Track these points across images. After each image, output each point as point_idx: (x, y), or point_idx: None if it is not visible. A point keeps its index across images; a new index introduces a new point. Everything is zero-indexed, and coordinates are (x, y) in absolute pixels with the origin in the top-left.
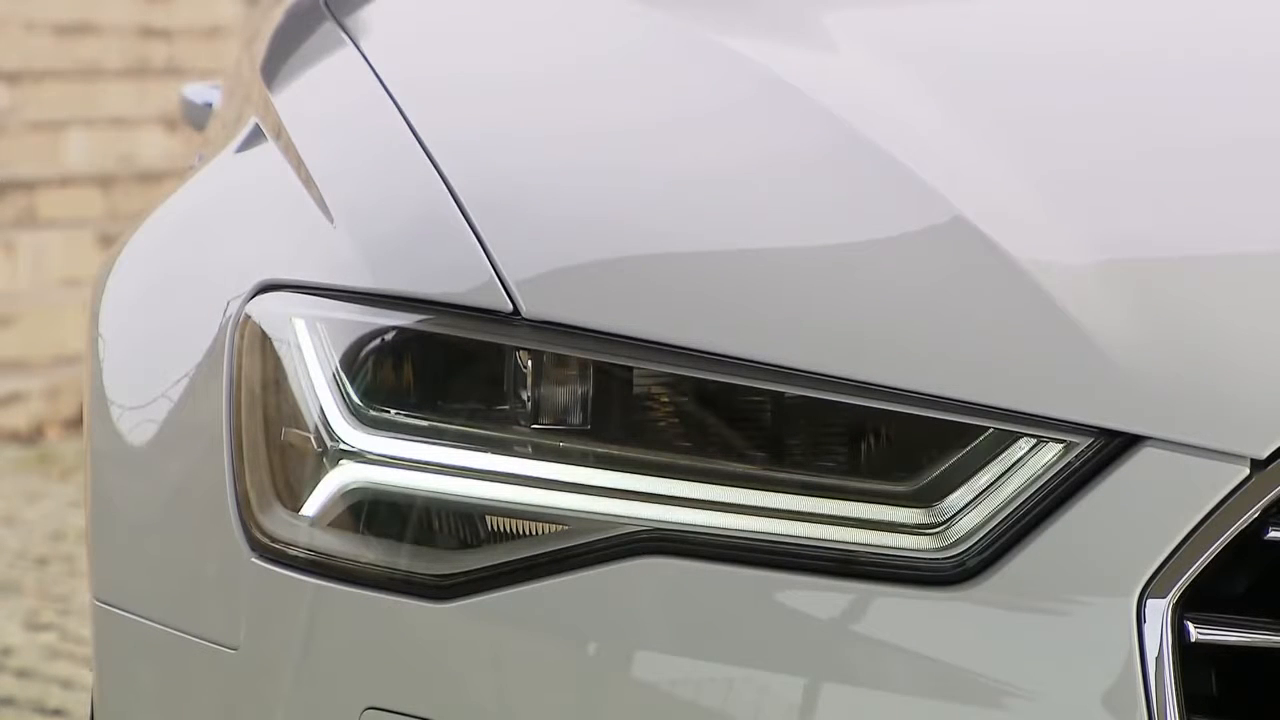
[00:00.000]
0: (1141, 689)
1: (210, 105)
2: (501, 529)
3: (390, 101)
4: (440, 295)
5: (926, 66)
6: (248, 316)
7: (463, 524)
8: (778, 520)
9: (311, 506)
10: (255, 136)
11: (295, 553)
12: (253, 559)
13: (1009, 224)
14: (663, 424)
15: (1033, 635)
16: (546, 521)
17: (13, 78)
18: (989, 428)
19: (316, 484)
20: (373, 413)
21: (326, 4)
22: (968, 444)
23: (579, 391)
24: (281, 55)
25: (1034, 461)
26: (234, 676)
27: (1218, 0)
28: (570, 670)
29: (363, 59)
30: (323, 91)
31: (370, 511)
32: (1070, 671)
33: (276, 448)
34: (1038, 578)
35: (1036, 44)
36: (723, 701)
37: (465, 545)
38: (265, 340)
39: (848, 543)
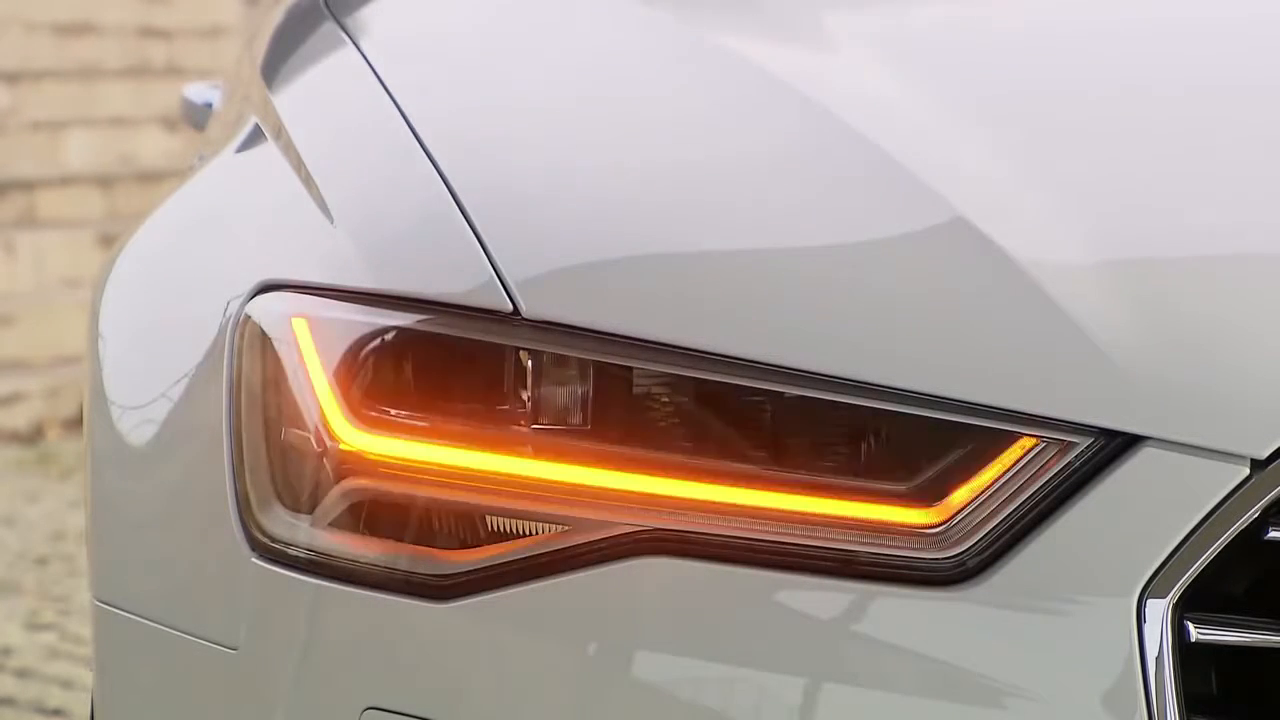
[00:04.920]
0: (1141, 689)
1: (210, 105)
2: (501, 529)
3: (390, 101)
4: (440, 295)
5: (928, 68)
6: (248, 316)
7: (463, 524)
8: (778, 520)
9: (311, 506)
10: (255, 136)
11: (295, 553)
12: (253, 559)
13: (1009, 224)
14: (663, 424)
15: (1033, 635)
16: (546, 522)
17: (13, 78)
18: (989, 428)
19: (316, 484)
20: (373, 413)
21: (326, 4)
22: (967, 444)
23: (579, 391)
24: (281, 55)
25: (1034, 461)
26: (234, 676)
27: (1226, 5)
28: (570, 670)
29: (363, 59)
30: (323, 91)
31: (370, 511)
32: (1070, 671)
33: (276, 448)
34: (1038, 578)
35: (1038, 44)
36: (723, 701)
37: (465, 545)
38: (265, 340)
39: (848, 543)
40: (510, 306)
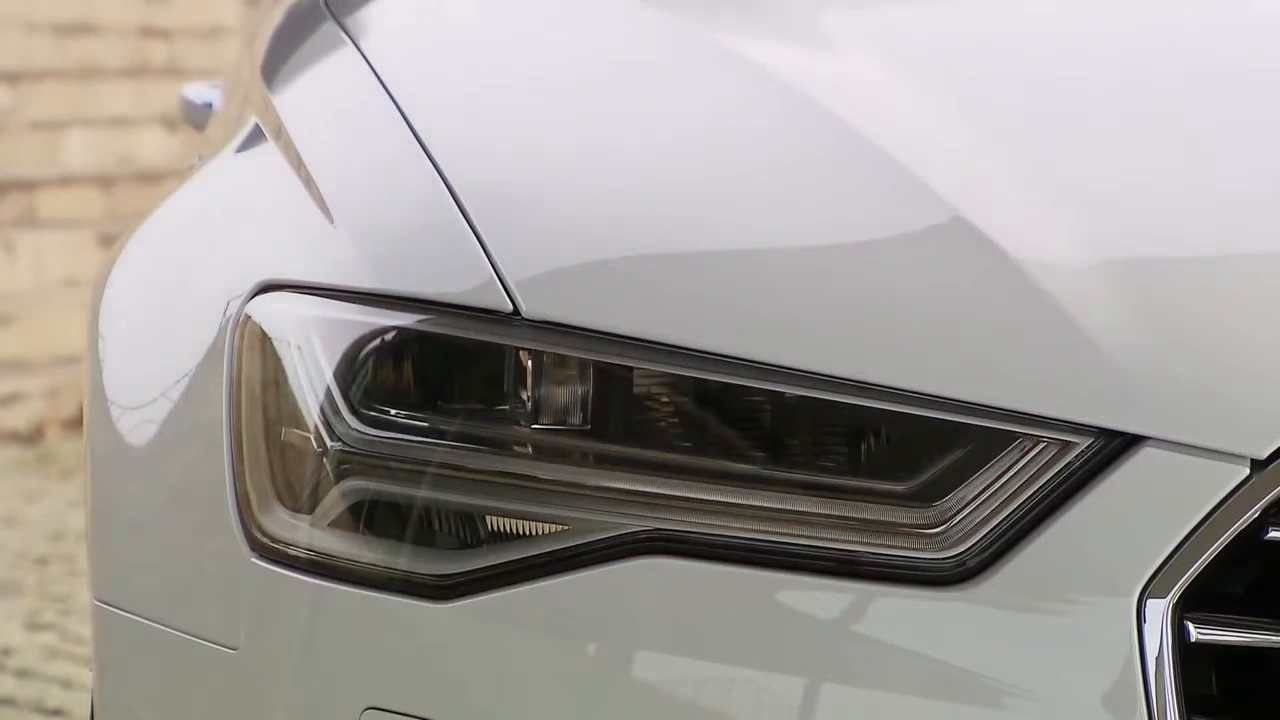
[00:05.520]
0: (1141, 689)
1: (210, 105)
2: (501, 529)
3: (390, 102)
4: (440, 295)
5: (927, 67)
6: (248, 316)
7: (463, 524)
8: (778, 520)
9: (311, 506)
10: (255, 136)
11: (295, 553)
12: (253, 559)
13: (1009, 224)
14: (663, 424)
15: (1033, 635)
16: (546, 522)
17: (13, 78)
18: (989, 428)
19: (316, 484)
20: (373, 413)
21: (326, 4)
22: (967, 444)
23: (579, 391)
24: (281, 55)
25: (1034, 461)
26: (234, 676)
27: (1225, 5)
28: (570, 670)
29: (363, 59)
30: (323, 92)
31: (370, 511)
32: (1070, 671)
33: (276, 448)
34: (1038, 578)
35: (1038, 45)
36: (723, 701)
37: (465, 545)
38: (265, 340)
39: (848, 543)
40: (510, 306)
